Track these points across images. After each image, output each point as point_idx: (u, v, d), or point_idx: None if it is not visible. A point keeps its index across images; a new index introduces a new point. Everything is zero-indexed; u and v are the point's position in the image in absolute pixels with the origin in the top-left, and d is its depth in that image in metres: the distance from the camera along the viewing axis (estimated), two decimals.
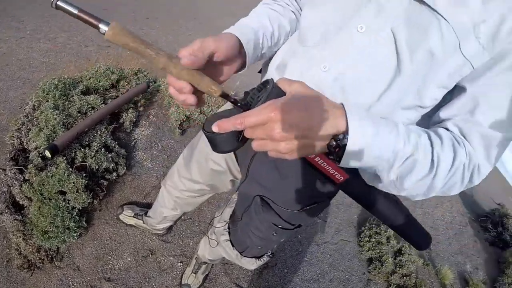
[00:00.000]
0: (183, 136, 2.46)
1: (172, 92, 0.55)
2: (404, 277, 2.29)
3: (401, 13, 0.53)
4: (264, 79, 0.79)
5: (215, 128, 0.47)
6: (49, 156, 1.44)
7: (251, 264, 1.15)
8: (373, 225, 2.57)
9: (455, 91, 0.59)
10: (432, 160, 0.52)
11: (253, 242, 1.00)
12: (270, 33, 0.71)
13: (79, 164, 1.56)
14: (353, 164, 0.50)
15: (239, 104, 0.52)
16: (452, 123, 0.58)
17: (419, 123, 0.67)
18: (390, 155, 0.50)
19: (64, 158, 1.52)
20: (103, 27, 0.44)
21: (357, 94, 0.60)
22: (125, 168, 1.85)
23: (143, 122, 2.28)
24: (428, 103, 0.61)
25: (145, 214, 1.68)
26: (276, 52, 0.78)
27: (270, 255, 1.19)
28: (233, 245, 1.10)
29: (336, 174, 0.59)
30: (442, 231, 3.83)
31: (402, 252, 2.48)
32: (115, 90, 2.23)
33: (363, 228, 2.61)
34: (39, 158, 1.46)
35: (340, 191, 0.77)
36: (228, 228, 1.12)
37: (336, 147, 0.48)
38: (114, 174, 1.76)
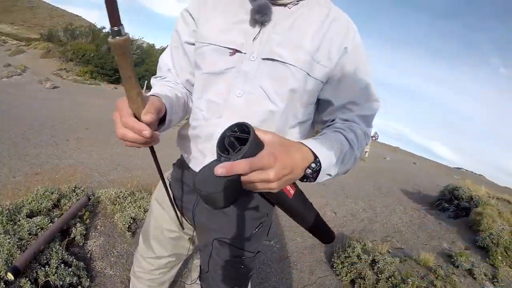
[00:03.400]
0: (135, 238, 2.54)
1: (127, 132, 0.60)
2: (390, 279, 2.54)
3: (263, 73, 0.77)
4: (186, 151, 0.97)
5: (222, 171, 0.49)
6: (12, 278, 1.45)
7: None
8: (340, 252, 2.89)
9: (327, 103, 0.85)
10: (350, 144, 0.74)
11: (227, 285, 1.09)
12: (176, 104, 0.84)
13: (43, 282, 1.57)
14: (324, 178, 0.67)
15: (224, 155, 0.56)
16: (339, 119, 0.84)
17: (309, 131, 0.96)
18: (335, 159, 0.68)
19: (27, 279, 1.53)
20: (123, 30, 0.48)
21: None
22: (88, 280, 1.85)
23: (93, 233, 2.33)
24: (306, 118, 0.86)
25: None
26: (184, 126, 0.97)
27: None
28: None
29: (290, 190, 0.72)
30: (406, 230, 4.31)
31: (376, 260, 2.78)
32: (58, 209, 2.30)
33: (332, 259, 2.89)
34: (2, 283, 1.45)
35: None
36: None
37: (313, 173, 0.64)
38: (79, 287, 1.76)
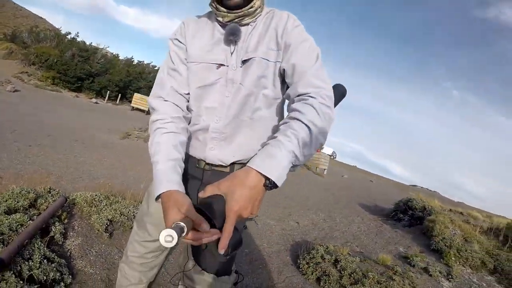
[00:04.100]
0: (112, 239, 2.54)
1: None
2: (352, 275, 2.75)
3: (242, 75, 0.97)
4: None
5: (223, 250, 0.72)
6: None
7: (226, 283, 1.39)
8: (305, 254, 3.07)
9: (286, 75, 0.97)
10: (307, 125, 0.81)
11: (220, 255, 1.26)
12: (181, 159, 0.97)
13: (27, 276, 1.55)
14: (284, 178, 0.77)
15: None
16: (297, 95, 0.92)
17: (280, 108, 1.09)
18: (291, 154, 0.77)
19: (11, 272, 1.50)
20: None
21: (241, 116, 1.00)
22: (70, 277, 1.83)
23: (71, 233, 2.30)
24: (276, 96, 1.02)
25: None
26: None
27: (235, 272, 1.48)
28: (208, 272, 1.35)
29: None
30: (364, 237, 4.55)
31: (338, 259, 2.99)
32: (35, 209, 2.25)
33: (298, 261, 3.05)
34: None
35: None
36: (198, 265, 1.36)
37: (271, 186, 0.75)
38: (62, 284, 1.74)
